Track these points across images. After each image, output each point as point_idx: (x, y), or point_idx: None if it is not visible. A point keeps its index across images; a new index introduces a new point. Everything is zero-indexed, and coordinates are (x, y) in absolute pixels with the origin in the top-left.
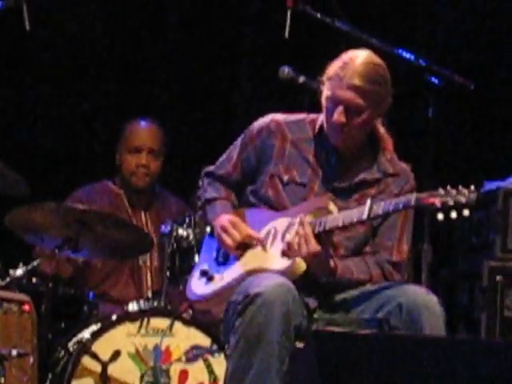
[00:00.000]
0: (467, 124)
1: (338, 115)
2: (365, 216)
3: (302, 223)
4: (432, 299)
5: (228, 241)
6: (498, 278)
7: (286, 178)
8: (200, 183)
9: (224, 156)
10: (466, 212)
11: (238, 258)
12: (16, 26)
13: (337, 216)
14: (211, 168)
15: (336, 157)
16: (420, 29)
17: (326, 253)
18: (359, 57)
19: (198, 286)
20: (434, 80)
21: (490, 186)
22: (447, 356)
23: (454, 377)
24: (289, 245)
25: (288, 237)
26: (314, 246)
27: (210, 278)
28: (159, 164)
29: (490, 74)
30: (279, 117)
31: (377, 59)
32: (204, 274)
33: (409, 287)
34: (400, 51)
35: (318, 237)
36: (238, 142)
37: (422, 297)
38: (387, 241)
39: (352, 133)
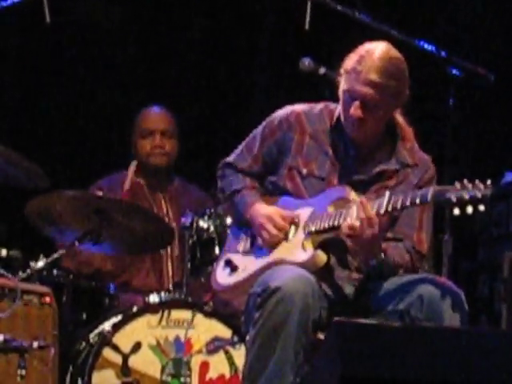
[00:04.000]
0: (488, 115)
1: (355, 109)
2: (383, 209)
3: (363, 206)
4: (452, 291)
5: (273, 231)
6: None
7: (304, 171)
8: (220, 174)
9: (243, 147)
10: (481, 207)
11: (261, 249)
12: (36, 18)
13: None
14: (230, 159)
15: (354, 149)
16: (441, 20)
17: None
18: (376, 50)
19: (221, 276)
20: (455, 72)
21: (510, 176)
22: (468, 347)
23: (475, 368)
24: (351, 228)
25: (349, 220)
26: (377, 229)
27: (233, 268)
28: (174, 144)
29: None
30: (298, 108)
31: (394, 52)
32: (228, 263)
33: (430, 279)
34: (421, 43)
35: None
36: (258, 133)
37: (442, 288)
38: (407, 229)
39: (368, 126)
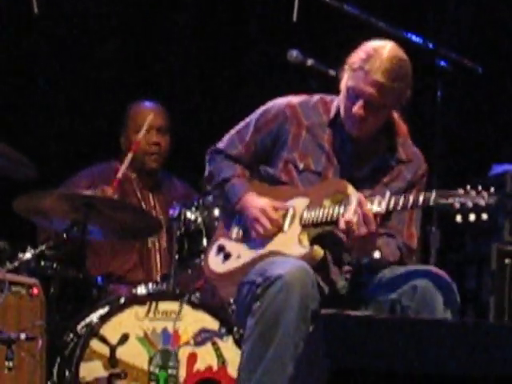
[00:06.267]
0: (475, 107)
1: (358, 108)
2: (383, 210)
3: (361, 202)
4: (447, 282)
5: (267, 225)
6: (507, 261)
7: (301, 165)
8: (209, 159)
9: (234, 134)
10: (484, 216)
11: (256, 239)
12: (24, 10)
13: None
14: (221, 146)
15: (351, 144)
16: (429, 12)
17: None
18: (384, 50)
19: (214, 263)
20: (443, 63)
21: (498, 169)
22: (456, 340)
23: (462, 361)
24: (348, 223)
25: (346, 216)
26: (373, 226)
27: (226, 256)
28: (167, 140)
29: (499, 58)
30: (294, 100)
31: (401, 53)
32: (221, 249)
33: (425, 270)
34: (408, 34)
35: None
36: (252, 122)
37: (437, 279)
38: (398, 224)
39: (369, 125)
